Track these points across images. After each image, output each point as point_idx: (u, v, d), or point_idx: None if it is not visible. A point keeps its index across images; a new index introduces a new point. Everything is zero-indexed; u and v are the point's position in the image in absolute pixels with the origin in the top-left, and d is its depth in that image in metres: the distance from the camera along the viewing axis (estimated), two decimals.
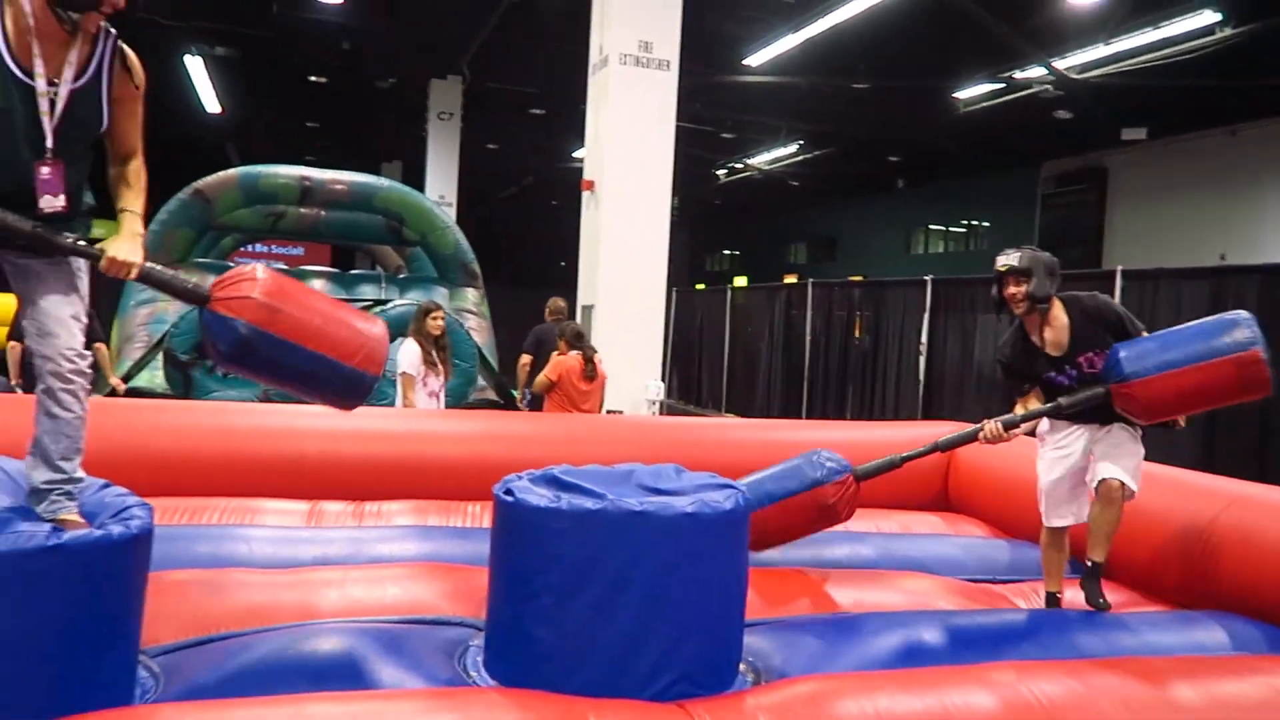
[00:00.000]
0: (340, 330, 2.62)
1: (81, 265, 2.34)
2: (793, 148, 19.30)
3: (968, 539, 4.16)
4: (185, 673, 2.37)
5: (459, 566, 3.19)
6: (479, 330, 9.50)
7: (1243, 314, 3.27)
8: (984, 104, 14.42)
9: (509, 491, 2.48)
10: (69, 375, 2.26)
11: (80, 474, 2.31)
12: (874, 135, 17.51)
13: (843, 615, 3.05)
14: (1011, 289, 3.33)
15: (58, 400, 2.26)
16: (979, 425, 3.46)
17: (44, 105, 2.19)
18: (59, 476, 2.25)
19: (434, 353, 5.75)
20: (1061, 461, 3.41)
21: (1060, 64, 12.20)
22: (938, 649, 2.73)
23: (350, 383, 2.65)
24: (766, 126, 17.76)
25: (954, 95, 14.38)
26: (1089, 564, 3.30)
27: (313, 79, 16.38)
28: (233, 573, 2.96)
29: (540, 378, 6.29)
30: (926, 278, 10.04)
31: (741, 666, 2.63)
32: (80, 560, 2.07)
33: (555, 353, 6.40)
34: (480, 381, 8.55)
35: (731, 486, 2.57)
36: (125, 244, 2.31)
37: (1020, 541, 4.07)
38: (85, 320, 2.38)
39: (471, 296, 10.06)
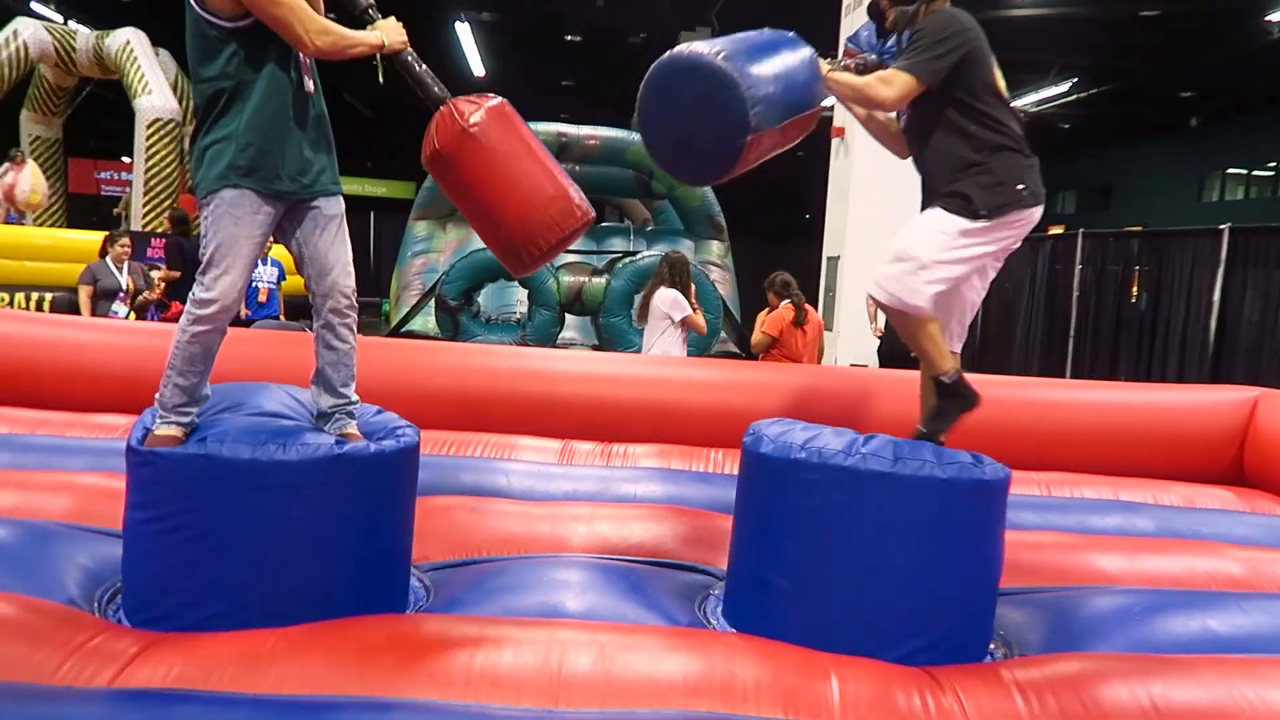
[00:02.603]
0: (528, 185, 2.61)
1: (342, 213, 2.56)
2: (1064, 86, 17.67)
3: (1268, 518, 3.68)
4: (451, 589, 2.56)
5: (700, 511, 3.23)
6: (723, 283, 9.54)
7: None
8: None
9: (758, 439, 2.46)
10: (345, 310, 2.49)
11: (356, 398, 2.54)
12: (1163, 69, 15.67)
13: (1113, 588, 2.79)
14: None
15: (336, 334, 2.49)
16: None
17: None
18: (341, 401, 2.49)
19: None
20: None
21: None
22: (1230, 636, 2.43)
23: (515, 243, 2.64)
24: (1035, 64, 16.36)
25: (1265, 18, 12.56)
26: None
27: (569, 38, 16.94)
28: (494, 502, 3.16)
29: (757, 335, 6.27)
30: (1223, 226, 8.91)
31: (992, 644, 2.49)
32: (361, 467, 2.31)
33: (765, 310, 6.33)
34: (723, 334, 8.60)
35: (992, 462, 2.42)
36: (389, 27, 2.56)
37: None
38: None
39: (716, 249, 10.10)
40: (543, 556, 2.76)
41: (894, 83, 2.80)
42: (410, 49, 2.62)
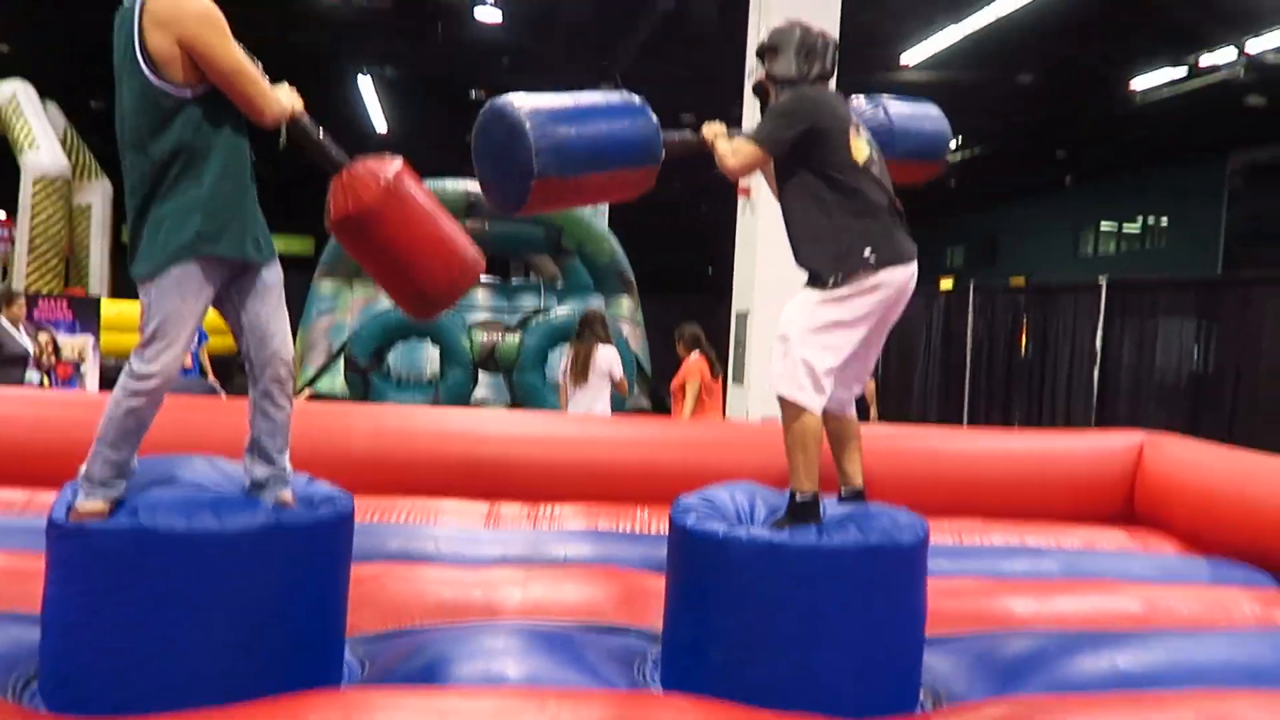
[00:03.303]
0: (441, 243, 2.73)
1: (280, 282, 2.56)
2: (950, 146, 18.66)
3: (1161, 557, 3.92)
4: (387, 660, 2.52)
5: (631, 571, 3.26)
6: (634, 338, 9.66)
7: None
8: (1164, 93, 13.52)
9: (685, 514, 2.53)
10: (285, 378, 2.46)
11: (288, 465, 2.50)
12: (1040, 130, 16.71)
13: (1031, 632, 2.93)
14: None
15: (275, 402, 2.46)
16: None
17: None
18: (276, 470, 2.45)
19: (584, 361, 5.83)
20: None
21: (1253, 46, 11.33)
22: (1137, 672, 2.59)
23: (428, 297, 2.78)
24: None
25: (1129, 85, 13.56)
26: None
27: (474, 94, 17.06)
28: (423, 568, 3.13)
29: (688, 394, 6.36)
30: (1100, 279, 9.51)
31: (921, 693, 2.59)
32: (298, 537, 2.27)
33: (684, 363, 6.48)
34: (635, 389, 8.70)
35: (912, 518, 2.55)
36: (286, 94, 2.53)
37: (1220, 559, 3.80)
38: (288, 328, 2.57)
39: (627, 305, 10.24)
40: (479, 623, 2.74)
41: (740, 151, 3.00)
42: (305, 114, 2.61)
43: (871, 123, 3.34)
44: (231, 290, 2.45)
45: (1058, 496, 4.34)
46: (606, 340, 5.76)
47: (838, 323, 2.82)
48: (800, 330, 2.81)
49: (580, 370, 5.92)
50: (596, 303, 9.96)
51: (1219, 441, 4.99)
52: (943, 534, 3.99)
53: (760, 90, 3.22)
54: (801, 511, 2.67)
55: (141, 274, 2.34)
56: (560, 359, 5.89)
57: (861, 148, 2.97)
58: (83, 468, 2.30)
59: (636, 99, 3.11)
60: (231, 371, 9.72)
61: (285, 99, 2.51)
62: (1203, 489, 4.06)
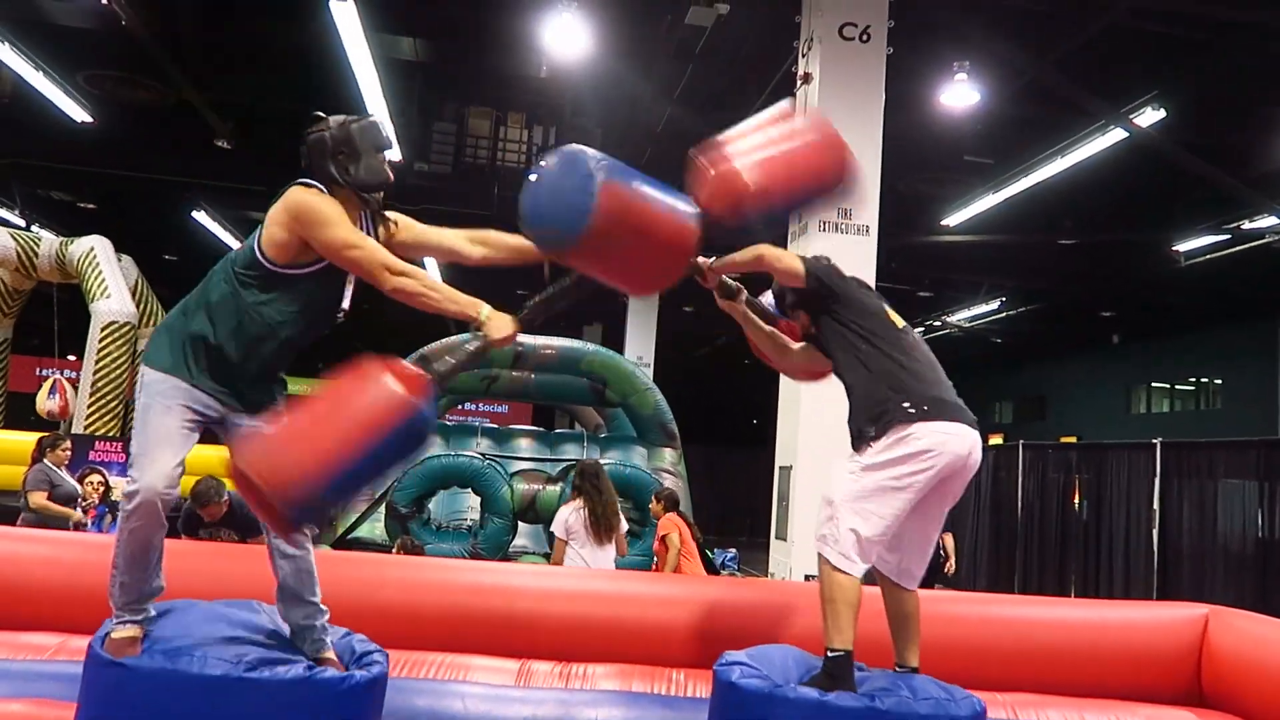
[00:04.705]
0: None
1: None
2: (994, 304, 18.80)
3: None
4: None
5: None
6: (676, 490, 9.57)
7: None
8: (1209, 255, 13.58)
9: (730, 669, 2.45)
10: None
11: (325, 608, 2.48)
12: (1084, 290, 16.80)
13: None
14: None
15: (292, 540, 2.47)
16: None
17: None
18: (311, 610, 2.43)
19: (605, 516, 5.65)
20: None
21: None
22: None
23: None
24: (966, 284, 17.47)
25: (1173, 248, 13.66)
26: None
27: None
28: None
29: (664, 542, 6.56)
30: (1155, 440, 9.30)
31: None
32: (330, 696, 2.22)
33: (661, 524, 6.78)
34: None
35: (967, 695, 2.44)
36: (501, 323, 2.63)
37: None
38: None
39: (669, 456, 10.21)
40: None
41: (787, 257, 3.07)
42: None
43: None
44: (228, 430, 2.52)
45: (1116, 671, 4.10)
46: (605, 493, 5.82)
47: (882, 489, 2.75)
48: (843, 494, 2.77)
49: (605, 527, 5.72)
50: (639, 454, 9.95)
51: None
52: (997, 708, 3.77)
53: (779, 295, 3.30)
54: (833, 668, 2.56)
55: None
56: (564, 513, 5.79)
57: (898, 319, 3.02)
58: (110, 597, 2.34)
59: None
60: None
61: (501, 328, 2.65)
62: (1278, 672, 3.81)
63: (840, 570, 2.68)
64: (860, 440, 2.84)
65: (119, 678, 2.17)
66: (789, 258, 3.09)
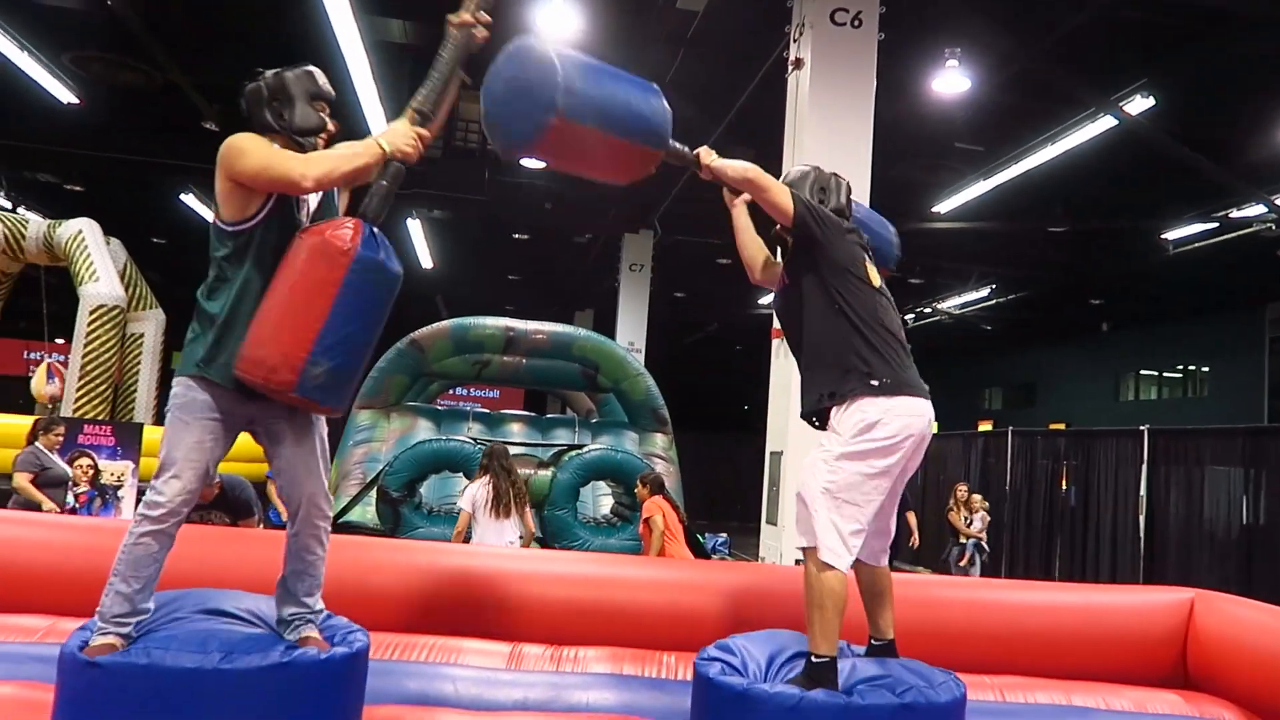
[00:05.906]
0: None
1: (321, 421, 2.59)
2: (984, 291, 18.84)
3: None
4: None
5: None
6: (667, 475, 9.58)
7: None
8: (1197, 244, 13.63)
9: (709, 665, 2.47)
10: (317, 521, 2.46)
11: (320, 605, 2.47)
12: (1074, 278, 16.85)
13: None
14: None
15: (306, 545, 2.46)
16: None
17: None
18: (303, 610, 2.43)
19: (509, 496, 6.03)
20: None
21: None
22: None
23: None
24: (956, 271, 17.49)
25: (1162, 236, 13.71)
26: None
27: (516, 236, 17.67)
28: (441, 712, 3.03)
29: (648, 525, 6.72)
30: (1143, 427, 9.36)
31: None
32: (308, 676, 2.22)
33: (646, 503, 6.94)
34: None
35: (947, 676, 2.46)
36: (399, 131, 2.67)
37: None
38: (328, 468, 2.59)
39: (660, 441, 10.22)
40: None
41: (778, 188, 3.00)
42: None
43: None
44: (259, 428, 2.50)
45: (1103, 654, 4.14)
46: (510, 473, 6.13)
47: (860, 478, 2.76)
48: (824, 490, 2.75)
49: (504, 505, 6.13)
50: (630, 439, 9.96)
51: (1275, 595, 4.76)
52: (984, 690, 3.81)
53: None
54: (817, 674, 2.56)
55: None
56: (471, 489, 6.25)
57: (875, 276, 3.00)
58: (99, 606, 2.30)
59: (653, 85, 3.10)
60: None
61: (398, 138, 2.66)
62: (1265, 654, 3.85)
63: (829, 567, 2.67)
64: (815, 403, 2.86)
65: (92, 680, 2.14)
66: (778, 192, 2.99)
